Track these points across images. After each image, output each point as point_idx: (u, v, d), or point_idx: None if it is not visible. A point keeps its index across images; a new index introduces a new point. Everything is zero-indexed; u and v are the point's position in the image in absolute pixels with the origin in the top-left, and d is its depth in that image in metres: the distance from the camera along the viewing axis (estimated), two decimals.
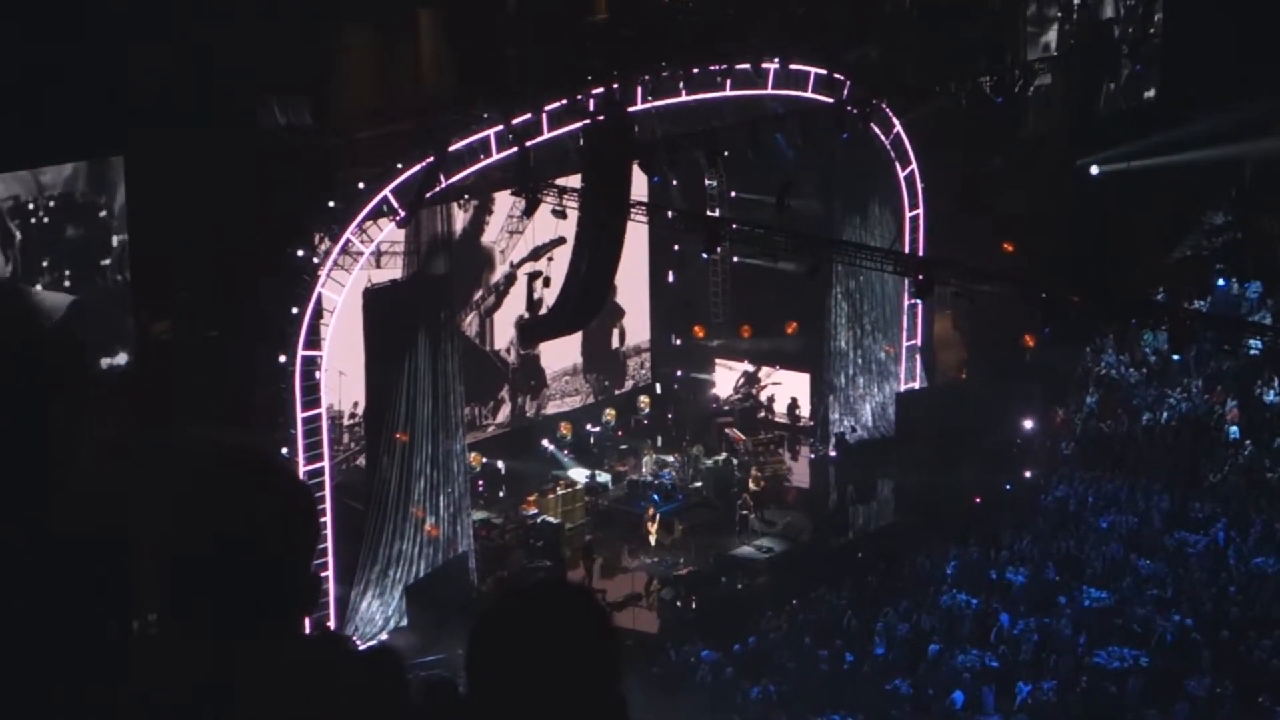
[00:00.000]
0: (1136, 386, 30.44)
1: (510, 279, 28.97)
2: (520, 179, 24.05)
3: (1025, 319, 27.66)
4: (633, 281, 29.92)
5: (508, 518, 26.91)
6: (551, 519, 26.57)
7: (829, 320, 29.82)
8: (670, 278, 31.45)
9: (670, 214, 26.29)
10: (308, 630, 3.51)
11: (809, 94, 26.86)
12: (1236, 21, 31.54)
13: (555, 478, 28.08)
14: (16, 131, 20.51)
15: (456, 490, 24.87)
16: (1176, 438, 28.61)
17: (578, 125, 24.13)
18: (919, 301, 28.27)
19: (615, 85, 24.38)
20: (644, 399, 31.05)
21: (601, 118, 23.73)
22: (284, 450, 22.21)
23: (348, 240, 22.85)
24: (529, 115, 23.72)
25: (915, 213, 29.43)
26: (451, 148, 23.15)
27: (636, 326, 31.40)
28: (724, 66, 25.83)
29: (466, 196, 26.23)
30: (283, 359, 22.47)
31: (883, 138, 28.54)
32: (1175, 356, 27.55)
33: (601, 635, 3.24)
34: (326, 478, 22.99)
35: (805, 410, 30.86)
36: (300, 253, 22.62)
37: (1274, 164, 33.62)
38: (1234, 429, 28.36)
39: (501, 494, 27.77)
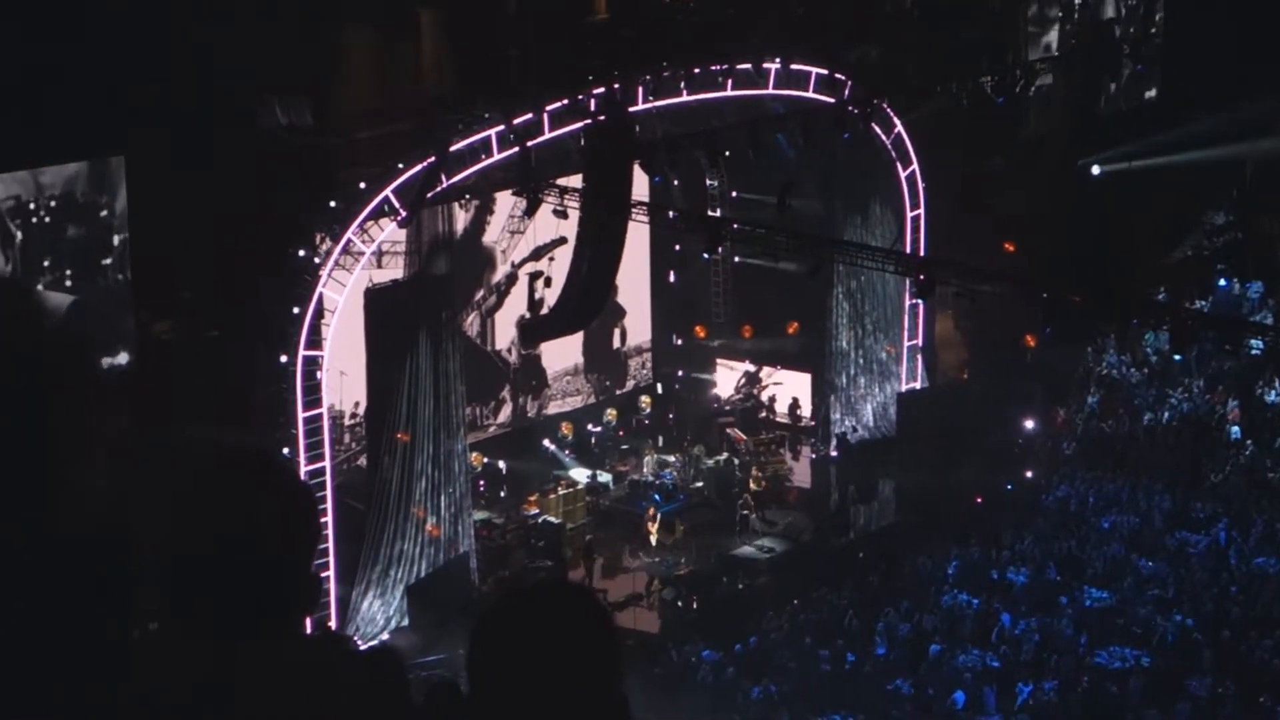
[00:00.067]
0: (1138, 386, 30.41)
1: (511, 279, 28.97)
2: (521, 179, 24.05)
3: (1026, 319, 27.66)
4: (634, 281, 29.93)
5: (509, 518, 26.91)
6: (553, 519, 26.56)
7: (830, 320, 29.81)
8: (671, 278, 31.43)
9: (671, 214, 26.26)
10: (309, 630, 3.50)
11: (810, 94, 26.87)
12: (1237, 21, 31.55)
13: (556, 478, 28.08)
14: (16, 131, 20.50)
15: (458, 490, 24.87)
16: (1178, 438, 28.59)
17: (579, 125, 24.14)
18: (920, 301, 28.25)
19: (616, 85, 24.38)
20: (645, 399, 31.03)
21: (602, 118, 23.74)
22: (285, 450, 22.19)
23: (349, 240, 22.85)
24: (530, 115, 23.71)
25: (916, 213, 29.42)
26: (452, 148, 23.14)
27: (638, 326, 31.38)
28: (725, 66, 25.82)
29: (468, 196, 26.21)
30: (284, 359, 22.47)
31: (884, 138, 28.53)
32: (1176, 356, 27.52)
33: (603, 635, 3.24)
34: (328, 478, 22.97)
35: (806, 410, 30.85)
36: (301, 253, 22.62)
37: (1275, 164, 33.59)
38: (1235, 429, 28.34)
39: (503, 494, 27.76)
